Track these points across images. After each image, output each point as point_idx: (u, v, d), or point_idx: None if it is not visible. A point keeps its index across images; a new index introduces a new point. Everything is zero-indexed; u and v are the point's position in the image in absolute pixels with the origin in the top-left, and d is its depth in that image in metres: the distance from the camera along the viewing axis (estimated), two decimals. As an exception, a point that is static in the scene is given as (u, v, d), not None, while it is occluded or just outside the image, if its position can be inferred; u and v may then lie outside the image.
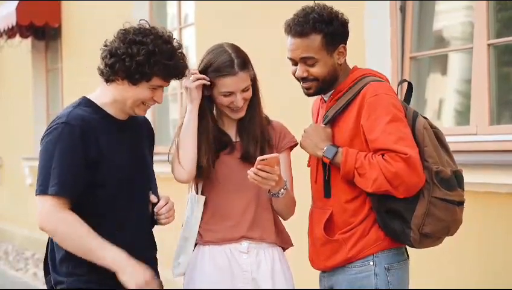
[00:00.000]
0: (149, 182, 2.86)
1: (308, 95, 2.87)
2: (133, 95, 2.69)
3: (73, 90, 9.02)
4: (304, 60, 2.79)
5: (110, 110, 2.75)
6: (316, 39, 2.76)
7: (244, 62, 2.92)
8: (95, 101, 2.75)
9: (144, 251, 2.82)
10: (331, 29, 2.77)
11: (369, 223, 2.76)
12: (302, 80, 2.83)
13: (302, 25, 2.76)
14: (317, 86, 2.82)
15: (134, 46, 2.61)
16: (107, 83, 2.71)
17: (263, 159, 2.72)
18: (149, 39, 2.63)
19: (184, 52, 2.75)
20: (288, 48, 2.83)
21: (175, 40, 2.72)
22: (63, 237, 2.61)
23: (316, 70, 2.79)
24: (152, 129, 3.00)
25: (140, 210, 2.81)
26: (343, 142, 2.77)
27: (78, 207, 2.64)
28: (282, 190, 2.87)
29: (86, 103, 2.75)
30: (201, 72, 2.95)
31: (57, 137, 2.62)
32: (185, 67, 2.76)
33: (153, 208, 2.85)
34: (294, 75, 2.85)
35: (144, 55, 2.60)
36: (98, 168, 2.65)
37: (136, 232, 2.78)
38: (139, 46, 2.61)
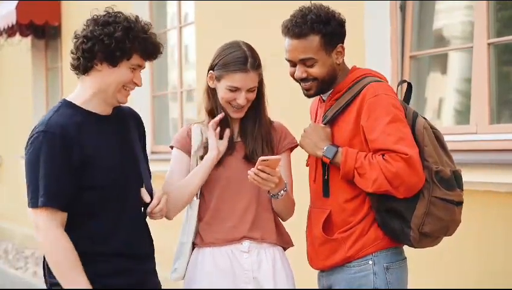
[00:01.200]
0: (141, 179, 2.82)
1: (308, 96, 2.87)
2: (115, 79, 2.67)
3: (73, 89, 9.00)
4: (303, 61, 2.78)
5: (92, 107, 2.71)
6: (315, 40, 2.76)
7: (257, 63, 2.92)
8: (75, 102, 2.72)
9: (141, 250, 2.80)
10: (329, 30, 2.77)
11: (368, 222, 2.76)
12: (301, 80, 2.83)
13: (300, 26, 2.75)
14: (317, 86, 2.82)
15: (109, 26, 2.63)
16: (84, 74, 2.69)
17: (265, 160, 2.72)
18: (121, 18, 2.66)
19: (154, 31, 2.76)
20: (286, 49, 2.82)
21: (142, 21, 2.73)
22: (48, 256, 2.61)
23: (315, 71, 2.79)
24: (141, 120, 2.96)
25: (134, 209, 2.79)
26: (342, 142, 2.77)
27: (71, 208, 2.63)
28: (282, 192, 2.87)
29: (66, 105, 2.72)
30: (213, 64, 2.95)
31: (38, 147, 2.59)
32: (160, 44, 2.75)
33: (145, 206, 2.81)
34: (292, 76, 2.85)
35: (121, 31, 2.62)
36: (85, 170, 2.63)
37: (131, 232, 2.75)
38: (114, 25, 2.63)
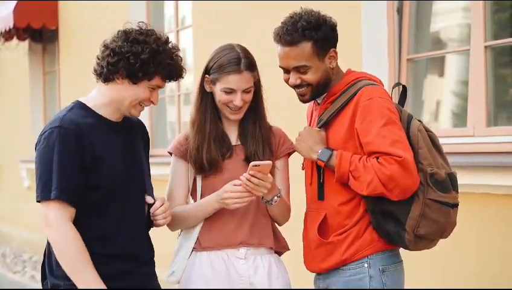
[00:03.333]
0: (144, 186, 2.86)
1: (304, 101, 2.87)
2: (132, 94, 2.71)
3: (71, 92, 9.00)
4: (297, 69, 2.78)
5: (104, 112, 2.75)
6: (306, 47, 2.76)
7: (251, 63, 2.92)
8: (88, 104, 2.76)
9: (143, 253, 2.84)
10: (320, 35, 2.76)
11: (363, 225, 2.76)
12: (295, 87, 2.83)
13: (291, 33, 2.75)
14: (312, 92, 2.82)
15: (138, 45, 2.66)
16: (105, 82, 2.72)
17: (256, 165, 2.73)
18: (151, 39, 2.68)
19: (180, 55, 2.79)
20: (279, 57, 2.81)
21: (171, 43, 2.77)
22: (59, 250, 2.62)
23: (309, 77, 2.79)
24: (147, 131, 3.01)
25: (137, 211, 2.82)
26: (337, 145, 2.77)
27: (77, 208, 2.65)
28: (275, 198, 2.88)
29: (79, 106, 2.76)
30: (208, 68, 2.95)
31: (53, 141, 2.63)
32: (183, 68, 2.80)
33: (148, 210, 2.85)
34: (287, 82, 2.84)
35: (148, 54, 2.65)
36: (93, 170, 2.66)
37: (134, 233, 2.78)
38: (143, 45, 2.66)
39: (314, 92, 2.82)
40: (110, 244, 2.71)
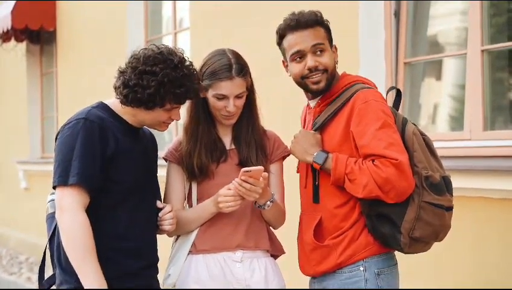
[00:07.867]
0: (156, 188, 2.93)
1: (318, 89, 2.83)
2: (150, 118, 2.79)
3: (68, 94, 9.01)
4: (314, 49, 2.79)
5: (126, 118, 2.82)
6: (321, 30, 2.82)
7: (242, 69, 2.92)
8: (112, 108, 2.82)
9: (149, 256, 2.88)
10: (328, 26, 2.84)
11: (359, 228, 2.76)
12: (313, 70, 2.80)
13: (306, 18, 2.80)
14: (327, 79, 2.82)
15: (145, 77, 2.69)
16: (122, 106, 2.78)
17: (247, 171, 2.74)
18: (158, 68, 2.69)
19: (194, 71, 2.79)
20: (296, 42, 2.80)
21: (185, 60, 2.76)
22: (70, 236, 2.62)
23: (325, 60, 2.80)
24: (156, 145, 3.04)
25: (148, 212, 2.87)
26: (332, 148, 2.77)
27: (92, 201, 2.69)
28: (268, 203, 2.89)
29: (103, 107, 2.82)
30: (201, 74, 2.94)
31: (77, 131, 2.68)
32: (197, 89, 2.81)
33: (156, 213, 2.90)
34: (297, 76, 2.82)
35: (153, 87, 2.68)
36: (114, 163, 2.72)
37: (143, 234, 2.82)
38: (148, 77, 2.68)
39: (328, 79, 2.82)
40: (123, 238, 2.75)
